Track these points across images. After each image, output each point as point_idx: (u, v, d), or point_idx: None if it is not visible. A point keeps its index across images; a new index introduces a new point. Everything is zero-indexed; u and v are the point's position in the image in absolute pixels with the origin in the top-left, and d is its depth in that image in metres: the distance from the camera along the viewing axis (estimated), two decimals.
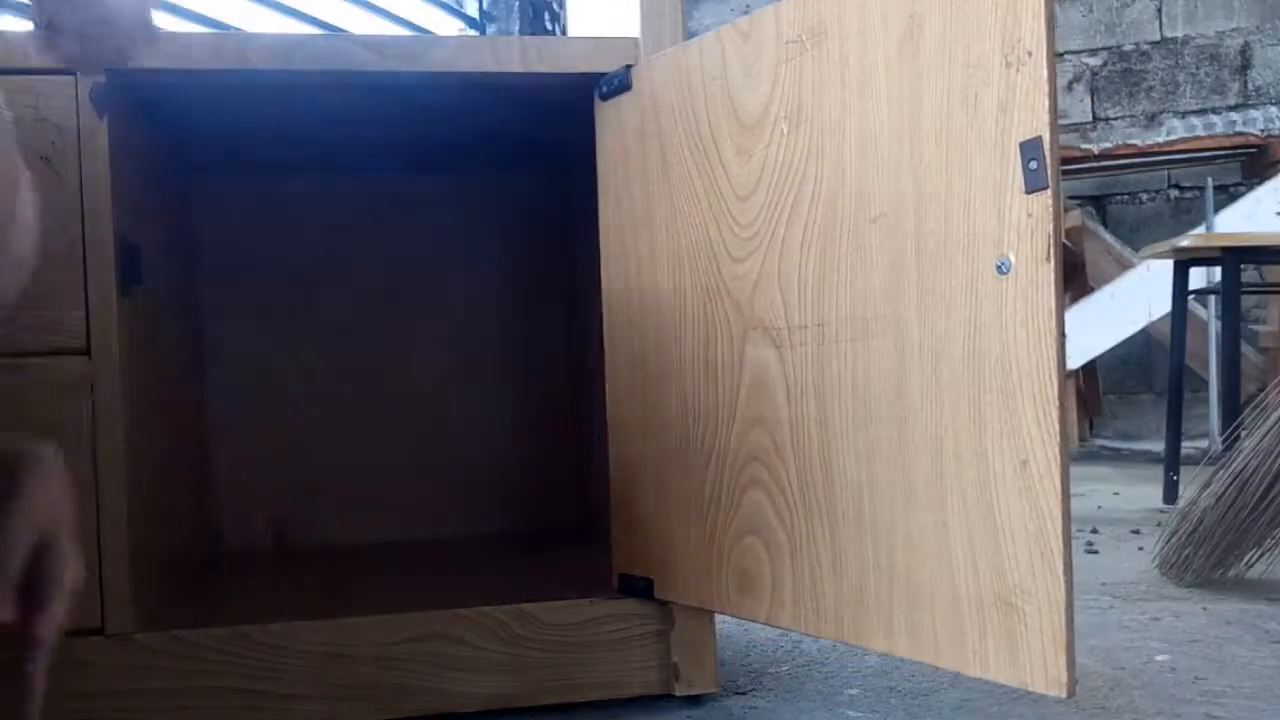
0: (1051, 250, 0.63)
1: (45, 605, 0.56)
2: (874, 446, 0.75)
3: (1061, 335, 0.63)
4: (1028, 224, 0.64)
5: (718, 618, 0.96)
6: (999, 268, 0.66)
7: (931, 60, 0.70)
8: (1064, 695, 0.63)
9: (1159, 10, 3.77)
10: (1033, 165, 0.64)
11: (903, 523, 0.73)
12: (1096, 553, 1.73)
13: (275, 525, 1.35)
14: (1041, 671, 0.65)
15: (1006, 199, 0.65)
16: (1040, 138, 0.63)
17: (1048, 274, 0.63)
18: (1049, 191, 0.63)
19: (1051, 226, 0.63)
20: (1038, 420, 0.64)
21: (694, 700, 0.97)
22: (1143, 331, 3.05)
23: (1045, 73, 0.63)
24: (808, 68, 0.78)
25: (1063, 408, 0.63)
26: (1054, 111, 0.63)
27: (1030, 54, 0.63)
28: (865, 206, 0.75)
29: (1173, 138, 3.51)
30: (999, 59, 0.65)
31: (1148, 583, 1.49)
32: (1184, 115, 3.67)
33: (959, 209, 0.68)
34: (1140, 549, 1.74)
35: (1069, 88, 3.81)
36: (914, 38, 0.71)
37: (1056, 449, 0.63)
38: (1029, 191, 0.64)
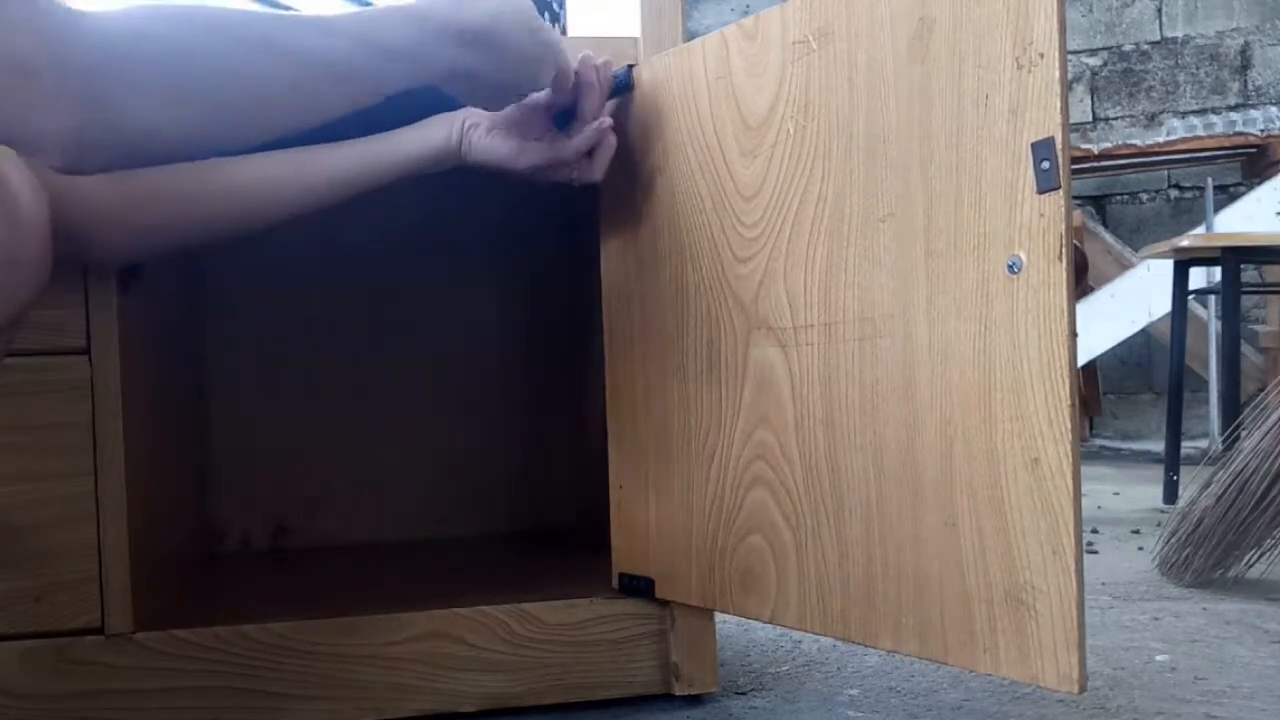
0: (1063, 249, 0.63)
1: None
2: (882, 446, 0.74)
3: (1073, 334, 0.63)
4: (1039, 224, 0.64)
5: (717, 617, 0.96)
6: (1010, 267, 0.66)
7: (942, 62, 0.70)
8: (1076, 691, 0.64)
9: (1159, 10, 3.78)
10: (1045, 165, 0.64)
11: (911, 521, 0.73)
12: (1096, 552, 1.73)
13: (275, 525, 1.35)
14: (1053, 668, 0.65)
15: (1018, 199, 0.65)
16: (1053, 138, 0.63)
17: (1059, 273, 0.63)
18: (1061, 191, 0.63)
19: (1064, 226, 0.63)
20: (1049, 419, 0.64)
21: (694, 700, 0.96)
22: (1143, 331, 3.05)
23: (1057, 74, 0.63)
24: (815, 68, 0.78)
25: (1074, 406, 0.63)
26: (1065, 112, 0.63)
27: (1043, 56, 0.63)
28: (874, 206, 0.74)
29: (1173, 138, 3.51)
30: (1010, 61, 0.65)
31: (1148, 583, 1.49)
32: (1184, 115, 3.67)
33: (969, 209, 0.68)
34: (1140, 549, 1.74)
35: (1069, 88, 3.81)
36: (923, 39, 0.71)
37: (1068, 447, 0.63)
38: (1041, 192, 0.64)
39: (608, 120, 0.89)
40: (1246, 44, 3.69)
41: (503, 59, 0.76)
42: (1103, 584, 1.49)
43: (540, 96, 0.85)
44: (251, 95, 0.66)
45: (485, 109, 0.83)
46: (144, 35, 0.62)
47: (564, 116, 0.88)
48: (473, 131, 0.87)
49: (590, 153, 0.89)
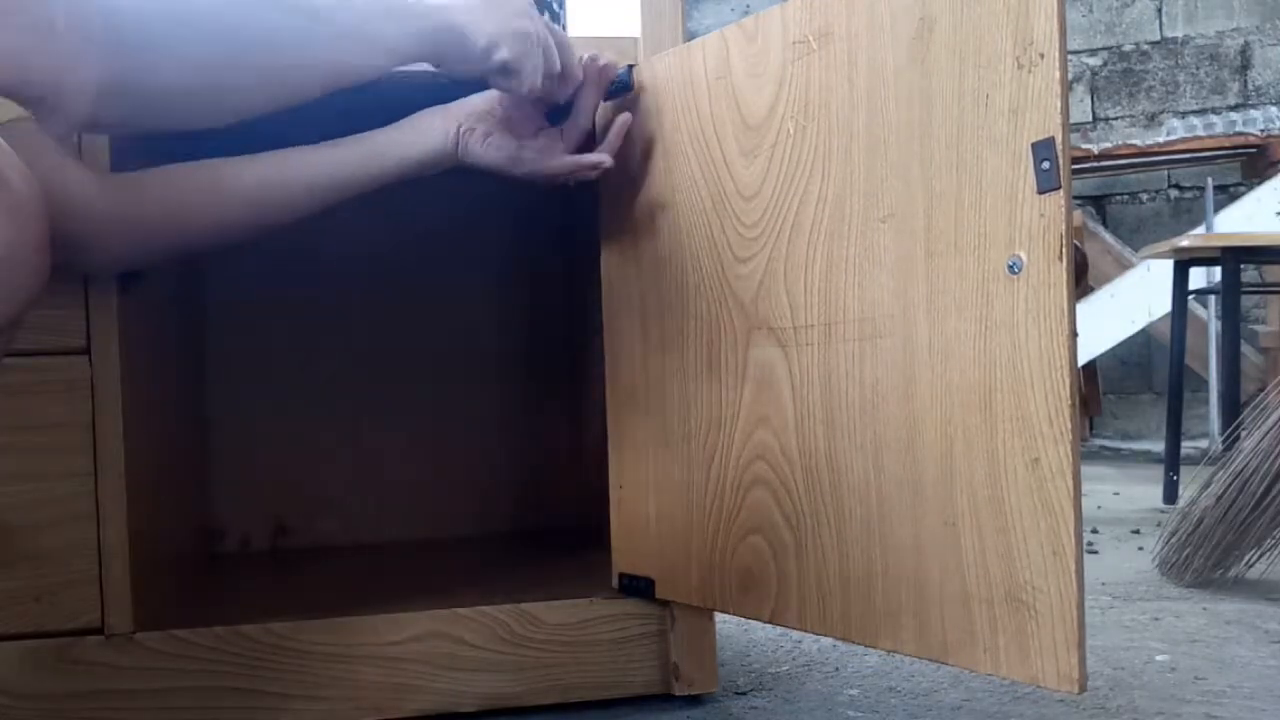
0: (1064, 249, 0.63)
1: None
2: (882, 446, 0.74)
3: (1073, 334, 0.63)
4: (1040, 224, 0.64)
5: (717, 617, 0.96)
6: (1010, 267, 0.66)
7: (942, 62, 0.70)
8: (1076, 691, 0.64)
9: (1159, 10, 3.78)
10: (1045, 166, 0.64)
11: (911, 522, 0.73)
12: (1096, 553, 1.73)
13: (275, 525, 1.35)
14: (1053, 668, 0.65)
15: (1018, 199, 0.65)
16: (1053, 138, 0.63)
17: (1060, 273, 0.63)
18: (1061, 191, 0.63)
19: (1064, 226, 0.63)
20: (1049, 419, 0.64)
21: (694, 700, 0.96)
22: (1143, 331, 3.05)
23: (1058, 74, 0.63)
24: (815, 69, 0.78)
25: (1074, 406, 0.63)
26: (1066, 113, 0.63)
27: (1043, 56, 0.63)
28: (874, 207, 0.74)
29: (1173, 138, 3.51)
30: (1011, 61, 0.65)
31: (1148, 583, 1.49)
32: (1184, 115, 3.67)
33: (970, 209, 0.68)
34: (1140, 549, 1.74)
35: (1069, 87, 3.81)
36: (924, 39, 0.71)
37: (1069, 447, 0.63)
38: (1041, 192, 0.64)
39: (607, 160, 0.89)
40: (1246, 44, 3.69)
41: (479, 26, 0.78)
42: (1103, 584, 1.49)
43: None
44: (261, 58, 0.69)
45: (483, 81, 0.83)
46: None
47: (558, 111, 0.88)
48: (468, 136, 0.87)
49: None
